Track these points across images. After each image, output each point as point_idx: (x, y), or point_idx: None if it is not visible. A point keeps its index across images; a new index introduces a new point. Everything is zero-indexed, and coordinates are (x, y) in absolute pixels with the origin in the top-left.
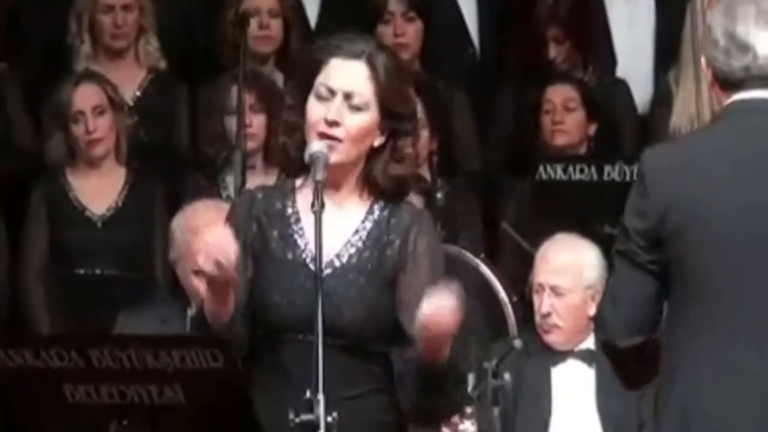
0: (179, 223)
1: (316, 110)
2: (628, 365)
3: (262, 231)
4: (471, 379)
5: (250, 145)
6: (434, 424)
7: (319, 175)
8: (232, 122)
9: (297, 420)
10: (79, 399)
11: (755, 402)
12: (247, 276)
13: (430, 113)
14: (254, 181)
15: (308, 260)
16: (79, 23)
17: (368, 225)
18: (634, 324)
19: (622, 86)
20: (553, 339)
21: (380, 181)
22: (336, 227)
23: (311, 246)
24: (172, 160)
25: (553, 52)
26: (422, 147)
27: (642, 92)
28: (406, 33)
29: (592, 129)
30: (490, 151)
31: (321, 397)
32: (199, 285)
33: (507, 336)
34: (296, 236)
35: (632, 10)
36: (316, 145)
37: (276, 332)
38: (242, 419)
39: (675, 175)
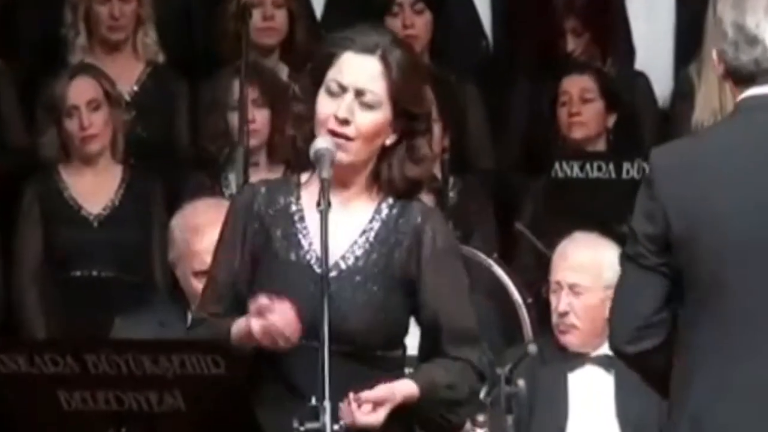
0: (179, 222)
1: (326, 106)
2: (652, 372)
3: (265, 228)
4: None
5: (253, 141)
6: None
7: (325, 173)
8: (234, 118)
9: (302, 428)
10: (75, 406)
11: None
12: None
13: (442, 108)
14: (257, 178)
15: (312, 261)
16: (74, 14)
17: (376, 225)
18: (640, 330)
19: (642, 79)
20: (570, 340)
21: (397, 182)
22: (342, 227)
23: (316, 246)
24: (171, 158)
25: (571, 44)
26: (434, 144)
27: (662, 86)
28: (414, 25)
29: (611, 121)
30: (503, 147)
31: (327, 404)
32: (200, 287)
33: (521, 339)
34: (300, 236)
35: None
36: (321, 142)
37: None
38: (244, 427)
39: (683, 177)
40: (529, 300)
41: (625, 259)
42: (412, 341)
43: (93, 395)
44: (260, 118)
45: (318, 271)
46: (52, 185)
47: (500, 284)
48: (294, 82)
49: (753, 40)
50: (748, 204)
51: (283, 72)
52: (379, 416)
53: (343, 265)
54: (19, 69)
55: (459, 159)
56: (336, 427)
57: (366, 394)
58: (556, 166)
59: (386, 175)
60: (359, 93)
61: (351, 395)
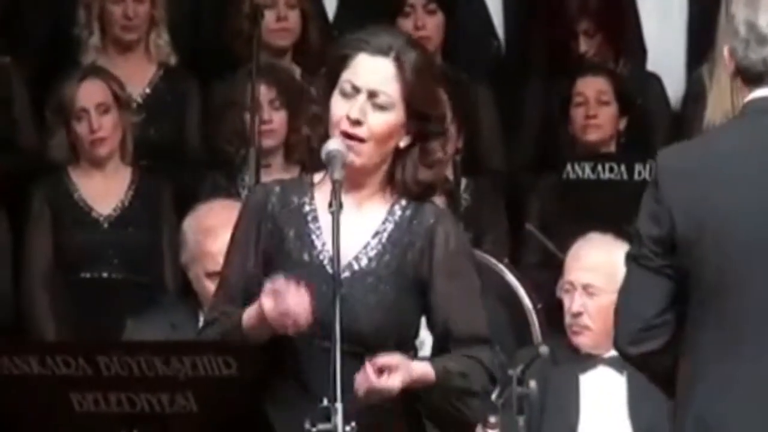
0: (191, 223)
1: (339, 107)
2: (656, 373)
3: (278, 228)
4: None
5: (270, 142)
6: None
7: (337, 174)
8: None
9: (314, 429)
10: (87, 408)
11: None
12: (246, 270)
13: (455, 109)
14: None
15: (326, 262)
16: (88, 13)
17: (389, 227)
18: (643, 331)
19: (654, 80)
20: (582, 341)
21: (409, 185)
22: (355, 228)
23: (329, 247)
24: (183, 159)
25: (584, 46)
26: (450, 144)
27: (674, 87)
28: (426, 26)
29: (623, 124)
30: (515, 149)
31: (339, 405)
32: (213, 289)
33: (531, 343)
34: (313, 236)
35: (664, 0)
36: (333, 143)
37: (290, 337)
38: (256, 428)
39: (689, 179)
40: (539, 305)
41: (630, 260)
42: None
43: (105, 397)
44: (277, 119)
45: (330, 271)
46: (62, 187)
47: (511, 289)
48: (306, 83)
49: (763, 40)
50: (753, 206)
51: (296, 73)
52: (394, 382)
53: (356, 266)
54: (29, 69)
55: (471, 160)
56: (348, 428)
57: (382, 359)
58: (568, 167)
59: (399, 177)
60: (372, 94)
61: (367, 362)
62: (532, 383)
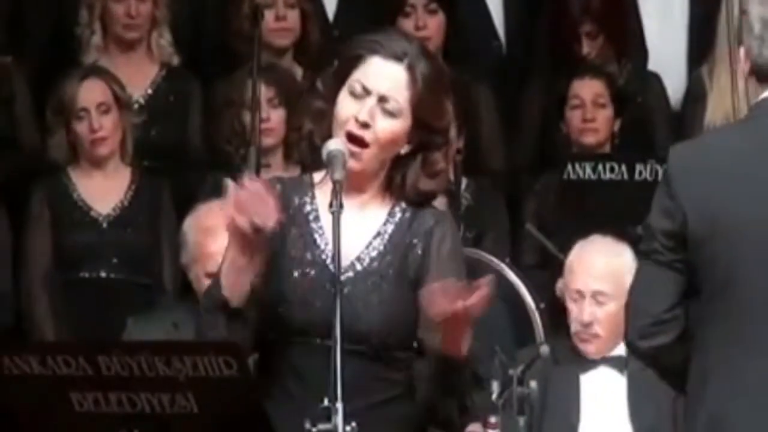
0: (191, 224)
1: (347, 107)
2: (666, 368)
3: (280, 226)
4: (495, 386)
5: (268, 141)
6: (453, 430)
7: (338, 174)
8: (249, 118)
9: (314, 429)
10: (87, 408)
11: None
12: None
13: (456, 109)
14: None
15: (327, 261)
16: (90, 13)
17: (390, 228)
18: (653, 326)
19: (655, 80)
20: (590, 348)
21: (410, 194)
22: (357, 229)
23: (330, 246)
24: (185, 160)
25: (586, 47)
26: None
27: (675, 87)
28: (427, 26)
29: (617, 125)
30: (515, 149)
31: (340, 405)
32: None
33: (533, 342)
34: (316, 235)
35: (665, 1)
36: (333, 143)
37: (291, 335)
38: (257, 428)
39: (701, 175)
40: (542, 305)
41: (641, 255)
42: None
43: (105, 397)
44: (276, 117)
45: (332, 270)
46: (61, 187)
47: (512, 289)
48: (308, 82)
49: None
50: (764, 204)
51: (297, 73)
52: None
53: (358, 266)
54: (31, 68)
55: (471, 160)
56: (348, 428)
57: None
58: (569, 167)
59: (399, 184)
60: (382, 99)
61: (436, 286)
62: (533, 383)
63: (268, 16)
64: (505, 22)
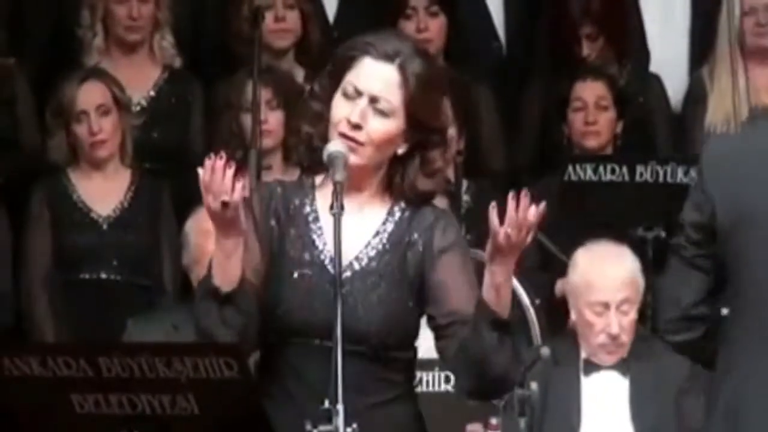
0: (193, 226)
1: (340, 108)
2: (700, 357)
3: (280, 227)
4: None
5: (267, 143)
6: (493, 395)
7: (339, 176)
8: (247, 120)
9: (315, 431)
10: (88, 409)
11: None
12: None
13: (456, 111)
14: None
15: (327, 262)
16: (92, 15)
17: (389, 227)
18: (681, 321)
19: (656, 82)
20: (614, 358)
21: (408, 193)
22: (356, 229)
23: (329, 247)
24: (186, 161)
25: (587, 49)
26: (451, 147)
27: (677, 89)
28: (429, 28)
29: (619, 127)
30: (516, 150)
31: (340, 407)
32: None
33: (530, 341)
34: (314, 236)
35: (667, 3)
36: (334, 145)
37: (290, 336)
38: (257, 430)
39: (731, 170)
40: (537, 301)
41: (672, 251)
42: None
43: (106, 398)
44: (273, 119)
45: (331, 271)
46: (61, 188)
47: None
48: (310, 83)
49: None
50: None
51: (299, 74)
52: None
53: (357, 266)
54: (33, 70)
55: (472, 161)
56: (349, 429)
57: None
58: (569, 168)
59: (398, 184)
60: (373, 99)
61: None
62: (534, 385)
63: (268, 17)
64: (506, 24)
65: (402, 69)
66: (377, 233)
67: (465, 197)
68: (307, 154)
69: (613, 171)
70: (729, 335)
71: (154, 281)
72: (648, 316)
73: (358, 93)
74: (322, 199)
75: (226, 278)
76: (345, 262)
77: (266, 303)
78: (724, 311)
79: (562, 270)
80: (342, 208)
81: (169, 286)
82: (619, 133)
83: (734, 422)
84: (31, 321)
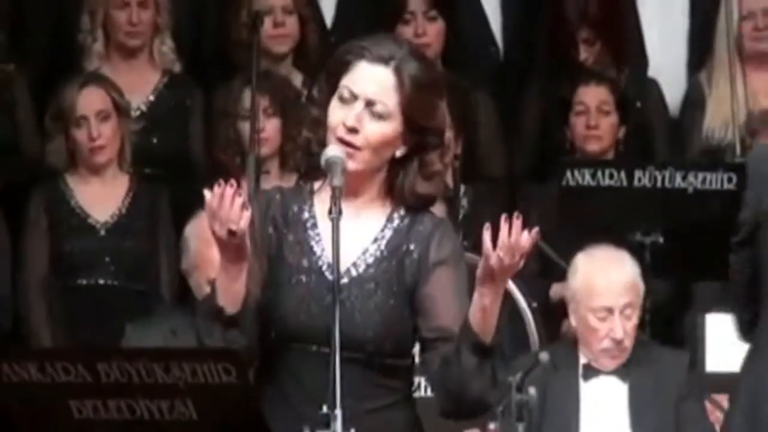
0: (192, 231)
1: (337, 113)
2: None
3: (278, 234)
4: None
5: (264, 150)
6: (467, 417)
7: (337, 181)
8: (245, 127)
9: None
10: (86, 415)
11: None
12: (262, 274)
13: (454, 115)
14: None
15: (324, 268)
16: (92, 20)
17: (387, 233)
18: (749, 323)
19: (654, 86)
20: (616, 363)
21: (407, 196)
22: (354, 235)
23: (327, 253)
24: (186, 166)
25: (584, 53)
26: (448, 151)
27: (675, 94)
28: (427, 33)
29: (622, 132)
30: (514, 155)
31: (338, 412)
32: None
33: (528, 345)
34: (312, 242)
35: (665, 7)
36: (332, 150)
37: (287, 342)
38: None
39: (763, 172)
40: (534, 304)
41: (731, 250)
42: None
43: (104, 404)
44: (270, 127)
45: (329, 277)
46: (59, 193)
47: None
48: (307, 88)
49: None
50: None
51: (297, 79)
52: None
53: (354, 272)
54: (33, 75)
55: (470, 166)
56: None
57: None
58: (568, 173)
59: (397, 187)
60: (369, 103)
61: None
62: (532, 390)
63: (267, 23)
64: (503, 28)
65: (397, 71)
66: (375, 240)
67: (463, 202)
68: (305, 159)
69: (611, 176)
70: (762, 323)
71: (152, 287)
72: (647, 321)
73: (354, 97)
74: (320, 204)
75: (230, 300)
76: (342, 268)
77: (264, 308)
78: None
79: (559, 275)
80: (340, 213)
81: (166, 291)
82: (621, 139)
83: (754, 417)
84: (29, 326)
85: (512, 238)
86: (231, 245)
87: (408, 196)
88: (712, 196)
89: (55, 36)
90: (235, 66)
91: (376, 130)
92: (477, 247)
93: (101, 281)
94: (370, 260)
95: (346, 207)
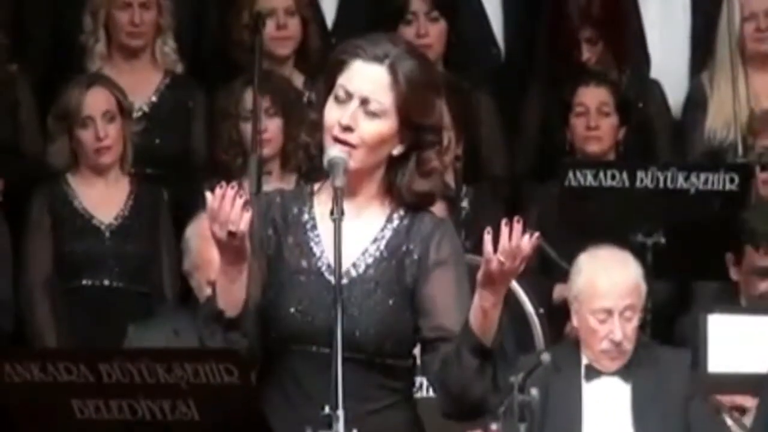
0: (194, 231)
1: (332, 113)
2: None
3: (278, 236)
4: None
5: (266, 151)
6: (468, 419)
7: (339, 181)
8: (247, 127)
9: None
10: (88, 415)
11: None
12: (262, 277)
13: (455, 116)
14: (271, 188)
15: (324, 269)
16: (94, 21)
17: (387, 234)
18: None
19: (656, 87)
20: (616, 364)
21: (405, 195)
22: (353, 235)
23: (327, 254)
24: (188, 167)
25: (586, 53)
26: (448, 152)
27: (677, 94)
28: (429, 33)
29: (622, 133)
30: (516, 155)
31: (341, 413)
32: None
33: (533, 349)
34: (312, 243)
35: (667, 8)
36: (334, 150)
37: (288, 343)
38: None
39: None
40: (541, 310)
41: None
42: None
43: (106, 404)
44: (272, 127)
45: (329, 278)
46: (62, 194)
47: (512, 294)
48: (308, 90)
49: None
50: None
51: (299, 80)
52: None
53: (354, 273)
54: (36, 76)
55: (472, 167)
56: None
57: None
58: (570, 174)
59: (396, 186)
60: (364, 101)
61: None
62: (534, 390)
63: (269, 25)
64: (505, 29)
65: (392, 69)
66: (375, 240)
67: (464, 203)
68: (305, 162)
69: (613, 177)
70: None
71: (154, 288)
72: (647, 322)
73: (349, 96)
74: (320, 206)
75: (230, 303)
76: (342, 269)
77: (264, 309)
78: None
79: (561, 275)
80: (342, 213)
81: (169, 292)
82: (621, 140)
83: None
84: (32, 327)
85: (513, 243)
86: (231, 247)
87: (406, 194)
88: (714, 197)
89: (57, 37)
90: (237, 67)
91: (371, 128)
92: (478, 247)
93: (105, 282)
94: (370, 261)
95: (346, 207)
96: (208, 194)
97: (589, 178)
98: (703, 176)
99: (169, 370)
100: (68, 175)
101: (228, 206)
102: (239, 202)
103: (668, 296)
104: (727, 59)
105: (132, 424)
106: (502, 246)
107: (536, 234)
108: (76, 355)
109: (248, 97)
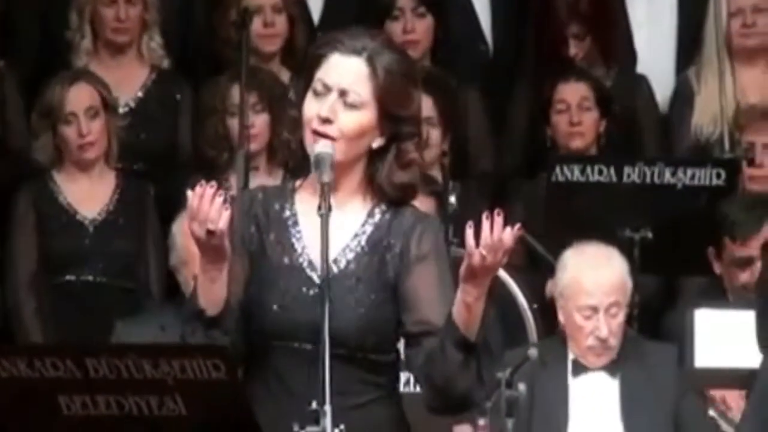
0: (180, 227)
1: (311, 106)
2: None
3: (260, 232)
4: None
5: (253, 146)
6: (454, 413)
7: (326, 177)
8: (233, 123)
9: None
10: (75, 411)
11: None
12: (244, 274)
13: (442, 112)
14: (258, 182)
15: (305, 265)
16: (80, 17)
17: (368, 229)
18: None
19: (643, 83)
20: (603, 360)
21: (385, 188)
22: (334, 230)
23: (309, 250)
24: (174, 163)
25: (573, 49)
26: (433, 147)
27: (663, 90)
28: (416, 29)
29: (602, 126)
30: (503, 151)
31: (328, 408)
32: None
33: (525, 343)
34: (293, 240)
35: (654, 4)
36: (321, 146)
37: (270, 339)
38: (245, 431)
39: None
40: (535, 305)
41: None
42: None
43: (93, 399)
44: (259, 122)
45: (310, 274)
46: (46, 190)
47: (503, 288)
48: (294, 86)
49: None
50: None
51: (285, 76)
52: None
53: (335, 269)
54: (22, 72)
55: (459, 163)
56: (336, 431)
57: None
58: (557, 169)
59: (376, 179)
60: (342, 93)
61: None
62: (521, 386)
63: (257, 22)
64: (493, 25)
65: (370, 61)
66: (356, 235)
67: (451, 198)
68: (289, 158)
69: (600, 172)
70: None
71: (140, 283)
72: (635, 316)
73: (327, 88)
74: (301, 202)
75: (211, 301)
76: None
77: (247, 306)
78: None
79: (551, 272)
80: (330, 209)
81: (155, 287)
82: (602, 132)
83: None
84: (19, 323)
85: (495, 236)
86: (210, 245)
87: (387, 187)
88: (701, 192)
89: (44, 33)
90: (224, 62)
91: (350, 120)
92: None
93: (90, 278)
94: (351, 256)
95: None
96: (189, 193)
97: (576, 173)
98: (690, 171)
99: (156, 366)
100: (53, 172)
101: (207, 205)
102: (218, 200)
103: (655, 291)
104: (714, 55)
105: (119, 420)
106: (484, 239)
107: (517, 225)
108: (63, 351)
109: (235, 92)
